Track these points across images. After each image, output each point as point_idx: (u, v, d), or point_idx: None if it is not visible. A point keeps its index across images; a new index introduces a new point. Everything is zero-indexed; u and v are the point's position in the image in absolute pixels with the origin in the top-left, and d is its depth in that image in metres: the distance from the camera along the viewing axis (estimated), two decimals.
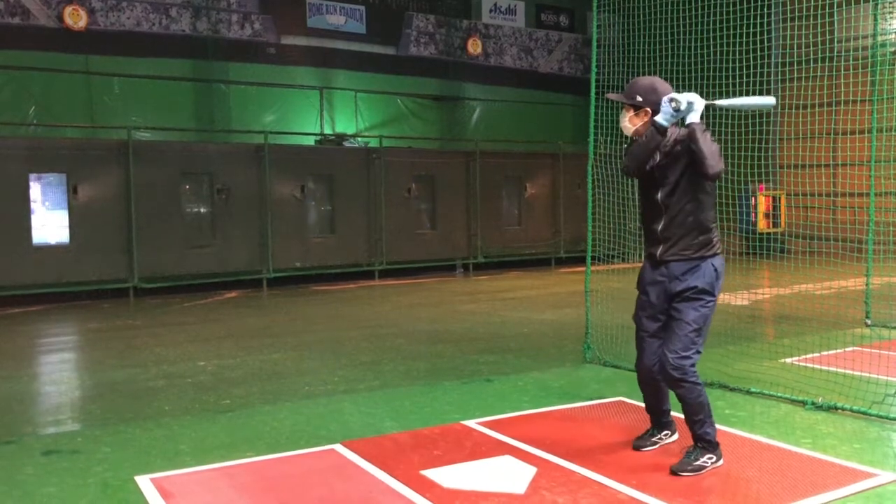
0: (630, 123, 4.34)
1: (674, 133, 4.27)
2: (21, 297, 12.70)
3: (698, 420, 4.24)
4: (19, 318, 11.55)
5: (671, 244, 4.28)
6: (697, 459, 4.23)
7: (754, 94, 10.31)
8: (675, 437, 4.71)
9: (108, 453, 4.82)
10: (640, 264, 4.55)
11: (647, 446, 4.63)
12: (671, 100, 4.09)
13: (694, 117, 4.10)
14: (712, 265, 4.25)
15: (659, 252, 4.33)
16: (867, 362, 6.26)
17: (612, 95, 4.60)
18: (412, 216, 17.08)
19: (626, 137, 4.49)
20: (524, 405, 5.71)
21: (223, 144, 15.91)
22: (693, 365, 4.19)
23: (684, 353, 4.17)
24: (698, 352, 4.23)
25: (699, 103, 4.10)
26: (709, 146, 4.07)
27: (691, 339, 4.19)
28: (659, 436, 4.67)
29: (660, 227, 4.31)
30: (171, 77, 16.70)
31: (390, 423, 5.34)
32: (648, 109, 4.25)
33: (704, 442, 4.27)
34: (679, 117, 4.14)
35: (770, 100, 4.30)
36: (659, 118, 4.12)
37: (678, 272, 4.27)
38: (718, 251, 4.30)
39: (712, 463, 4.25)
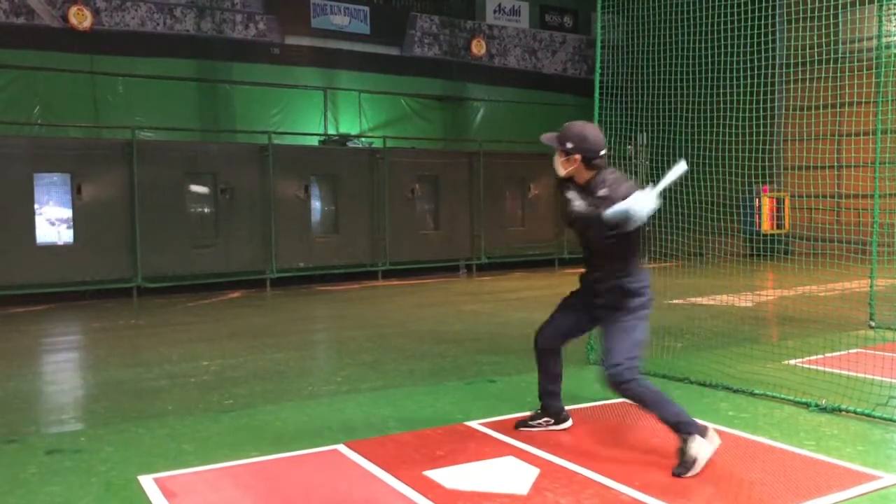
0: (562, 167, 4.54)
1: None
2: (25, 296, 12.73)
3: (660, 417, 4.37)
4: (23, 317, 11.57)
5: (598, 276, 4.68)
6: (687, 451, 4.22)
7: (757, 95, 10.32)
8: (564, 425, 5.04)
9: (112, 453, 4.83)
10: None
11: (521, 426, 5.06)
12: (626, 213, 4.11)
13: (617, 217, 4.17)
14: (632, 302, 4.54)
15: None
16: (871, 364, 6.26)
17: (545, 137, 4.64)
18: (415, 216, 17.08)
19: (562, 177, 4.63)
20: (527, 406, 5.70)
21: (227, 144, 15.94)
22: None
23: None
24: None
25: (639, 215, 4.11)
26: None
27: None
28: (539, 420, 5.06)
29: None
30: (176, 77, 16.73)
31: (393, 424, 5.34)
32: (577, 156, 4.44)
33: (681, 430, 4.26)
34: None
35: (681, 166, 4.42)
36: (608, 216, 4.17)
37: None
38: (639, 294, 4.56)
39: (699, 447, 4.19)
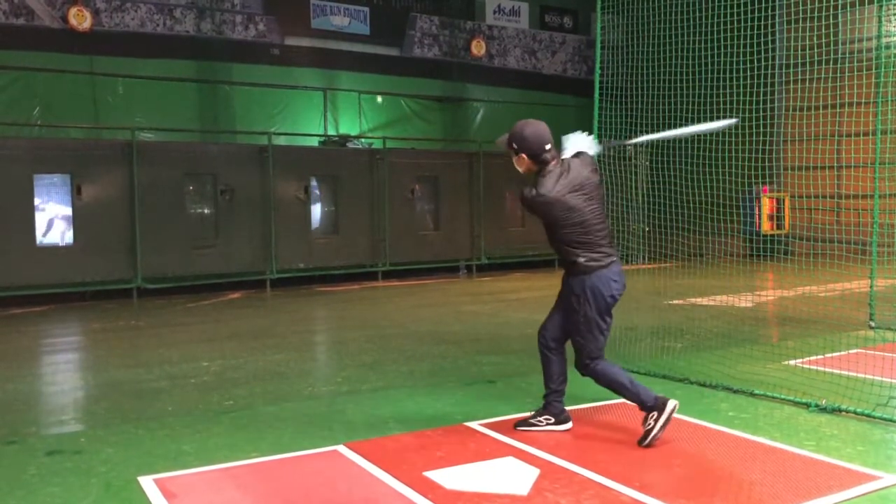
0: (518, 166, 4.84)
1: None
2: (25, 297, 12.73)
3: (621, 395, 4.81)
4: (23, 318, 11.57)
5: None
6: (648, 424, 4.67)
7: (757, 95, 10.32)
8: (564, 427, 5.04)
9: (112, 453, 4.83)
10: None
11: (521, 426, 5.07)
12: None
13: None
14: (572, 288, 4.87)
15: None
16: (871, 364, 6.26)
17: (499, 140, 4.95)
18: (415, 217, 17.08)
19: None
20: (527, 406, 5.70)
21: (227, 145, 15.94)
22: (588, 364, 4.86)
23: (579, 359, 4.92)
24: (591, 357, 4.88)
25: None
26: None
27: (581, 348, 4.90)
28: (539, 417, 5.08)
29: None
30: (175, 78, 16.73)
31: (393, 425, 5.34)
32: (523, 154, 4.73)
33: (646, 408, 4.69)
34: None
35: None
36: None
37: None
38: (578, 273, 4.82)
39: (657, 420, 4.62)
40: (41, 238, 13.25)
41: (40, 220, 13.27)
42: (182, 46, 16.84)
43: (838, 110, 13.12)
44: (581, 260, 4.76)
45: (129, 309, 12.42)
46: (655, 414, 4.66)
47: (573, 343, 4.89)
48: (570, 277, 4.85)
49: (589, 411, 5.56)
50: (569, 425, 5.07)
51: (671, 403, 4.67)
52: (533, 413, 5.15)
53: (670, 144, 8.77)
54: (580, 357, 4.87)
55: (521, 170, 4.85)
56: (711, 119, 9.06)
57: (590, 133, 5.02)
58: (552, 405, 5.06)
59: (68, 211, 13.37)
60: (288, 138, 16.74)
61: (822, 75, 9.02)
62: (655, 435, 4.63)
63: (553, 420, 5.04)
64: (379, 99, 19.28)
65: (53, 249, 13.33)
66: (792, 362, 6.92)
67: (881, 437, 4.89)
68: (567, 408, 5.14)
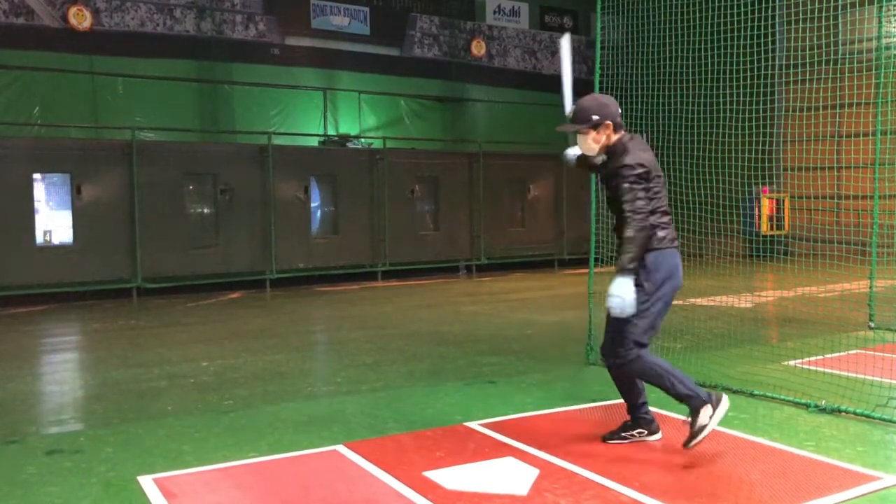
0: (594, 143, 4.53)
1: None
2: (25, 296, 12.73)
3: (667, 389, 4.38)
4: (23, 317, 11.57)
5: (617, 243, 4.49)
6: (695, 423, 4.32)
7: (757, 96, 10.32)
8: (655, 437, 4.74)
9: (111, 453, 4.83)
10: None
11: (613, 439, 4.73)
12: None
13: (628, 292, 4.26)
14: (643, 260, 4.38)
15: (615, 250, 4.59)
16: (871, 365, 6.26)
17: (563, 127, 4.74)
18: (415, 217, 17.09)
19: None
20: (527, 407, 5.71)
21: (227, 145, 15.95)
22: (629, 350, 4.37)
23: (618, 346, 4.40)
24: (637, 342, 4.39)
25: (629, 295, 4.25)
26: (637, 248, 4.30)
27: (625, 330, 4.37)
28: (631, 431, 4.74)
29: (614, 226, 4.59)
30: (175, 78, 16.74)
31: (393, 424, 5.34)
32: (609, 122, 4.46)
33: (689, 401, 4.35)
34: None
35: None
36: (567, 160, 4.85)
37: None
38: (654, 247, 4.39)
39: (710, 415, 4.30)
40: (41, 240, 13.26)
41: (40, 222, 13.28)
42: (182, 46, 16.85)
43: (838, 111, 13.13)
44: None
45: (128, 309, 12.42)
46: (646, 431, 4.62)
47: (619, 333, 4.44)
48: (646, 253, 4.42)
49: (589, 411, 5.56)
50: (660, 434, 4.77)
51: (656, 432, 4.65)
52: (621, 426, 4.79)
53: (671, 144, 8.76)
54: (624, 347, 4.45)
55: (596, 149, 4.55)
56: (712, 119, 9.08)
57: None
58: (643, 418, 4.76)
59: (68, 210, 13.37)
60: (288, 138, 16.75)
61: (822, 76, 9.01)
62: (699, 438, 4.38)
63: (646, 432, 4.70)
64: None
65: (53, 249, 13.33)
66: (791, 363, 6.92)
67: (881, 437, 4.89)
68: (566, 408, 5.13)
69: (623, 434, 4.70)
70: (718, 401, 4.36)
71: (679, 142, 9.02)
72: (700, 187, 9.10)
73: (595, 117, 4.47)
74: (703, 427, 4.31)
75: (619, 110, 4.56)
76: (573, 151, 4.93)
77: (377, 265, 16.26)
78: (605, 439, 4.69)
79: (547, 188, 18.76)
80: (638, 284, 4.34)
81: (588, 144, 4.58)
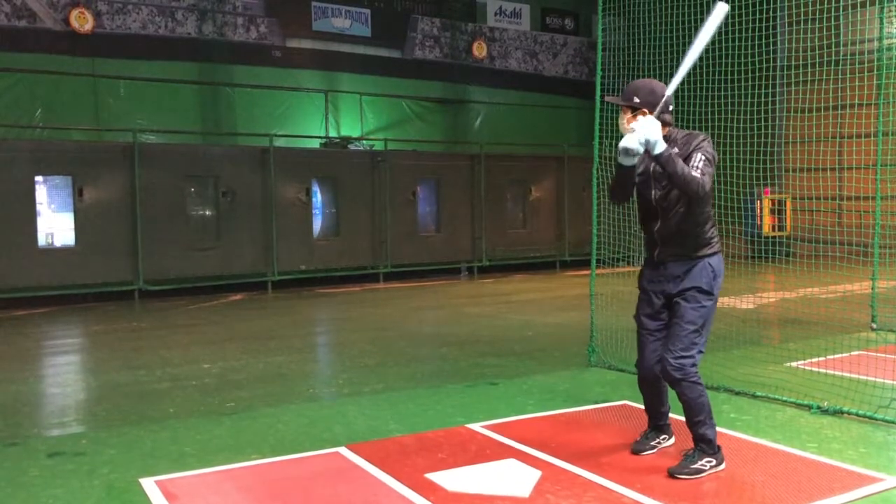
0: (629, 125, 4.22)
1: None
2: (27, 299, 12.74)
3: (698, 421, 4.22)
4: (25, 320, 11.58)
5: (667, 245, 4.29)
6: (695, 462, 4.21)
7: (759, 97, 10.31)
8: (673, 440, 4.69)
9: (113, 455, 4.83)
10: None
11: (646, 450, 4.60)
12: (625, 150, 3.99)
13: (658, 148, 3.97)
14: (709, 264, 4.24)
15: (656, 253, 4.35)
16: (873, 366, 6.25)
17: (610, 98, 4.56)
18: (417, 219, 17.09)
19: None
20: (529, 408, 5.71)
21: (228, 147, 15.95)
22: (694, 364, 4.19)
23: (685, 353, 4.17)
24: (700, 351, 4.23)
25: (653, 132, 3.95)
26: (681, 173, 3.98)
27: (691, 339, 4.19)
28: (658, 439, 4.65)
29: (656, 228, 4.32)
30: (177, 80, 16.75)
31: (394, 426, 5.34)
32: (646, 111, 4.16)
33: (704, 443, 4.24)
34: (642, 152, 4.01)
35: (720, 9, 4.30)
36: (622, 160, 4.05)
37: (676, 272, 4.27)
38: (716, 250, 4.29)
39: (711, 467, 4.22)
40: (44, 242, 13.27)
41: (42, 225, 13.29)
42: (184, 48, 16.86)
43: (840, 112, 13.12)
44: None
45: (130, 311, 12.43)
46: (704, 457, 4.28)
47: (683, 343, 4.19)
48: (706, 258, 4.24)
49: (590, 413, 5.56)
50: (673, 440, 4.69)
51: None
52: (644, 436, 4.66)
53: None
54: (689, 359, 4.20)
55: (663, 132, 4.16)
56: (713, 121, 9.07)
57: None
58: (667, 425, 4.65)
59: (70, 213, 13.37)
60: (289, 140, 16.76)
61: (824, 77, 9.02)
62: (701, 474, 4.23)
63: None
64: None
65: (55, 251, 13.34)
66: (794, 364, 6.91)
67: (883, 438, 4.88)
68: (567, 410, 5.12)
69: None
70: (722, 460, 4.28)
71: None
72: None
73: (636, 100, 4.23)
74: (700, 472, 4.19)
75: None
76: (634, 146, 4.04)
77: (379, 267, 16.26)
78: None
79: (548, 190, 18.76)
80: (708, 292, 4.21)
81: (623, 124, 4.28)
